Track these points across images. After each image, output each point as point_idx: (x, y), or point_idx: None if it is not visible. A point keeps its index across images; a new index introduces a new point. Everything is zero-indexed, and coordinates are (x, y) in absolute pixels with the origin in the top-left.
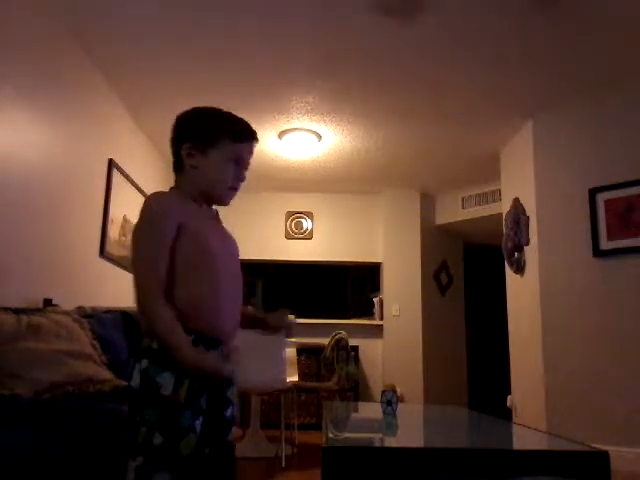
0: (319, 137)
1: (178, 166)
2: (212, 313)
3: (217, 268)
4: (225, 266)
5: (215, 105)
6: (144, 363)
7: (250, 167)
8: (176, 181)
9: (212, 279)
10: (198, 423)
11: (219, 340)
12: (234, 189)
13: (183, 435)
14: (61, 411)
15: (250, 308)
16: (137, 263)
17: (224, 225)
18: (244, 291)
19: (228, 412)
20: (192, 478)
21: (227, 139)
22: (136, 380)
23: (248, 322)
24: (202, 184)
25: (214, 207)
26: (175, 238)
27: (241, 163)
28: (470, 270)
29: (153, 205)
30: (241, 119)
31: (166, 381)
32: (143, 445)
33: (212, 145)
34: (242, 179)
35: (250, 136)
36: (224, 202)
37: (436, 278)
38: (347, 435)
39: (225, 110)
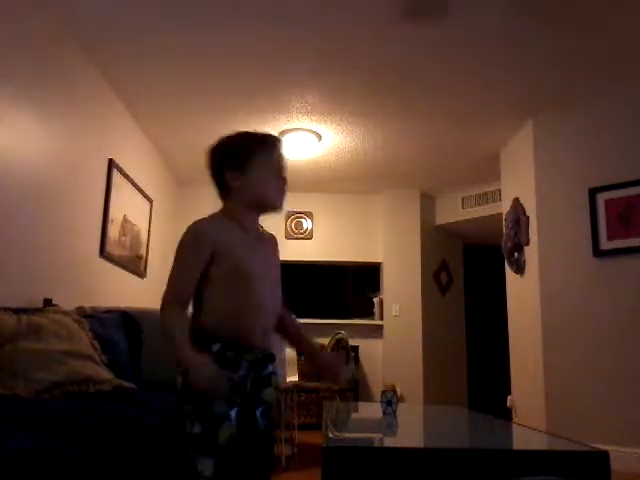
0: (319, 137)
1: (224, 193)
2: (241, 324)
3: (251, 287)
4: (259, 283)
5: (216, 105)
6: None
7: None
8: (223, 207)
9: (245, 298)
10: (233, 413)
11: (249, 348)
12: (282, 191)
13: (219, 423)
14: (61, 411)
15: (309, 339)
16: (169, 276)
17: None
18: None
19: (258, 412)
20: (234, 464)
21: (259, 151)
22: (178, 380)
23: (294, 342)
24: (252, 198)
25: (270, 232)
26: (211, 261)
27: (280, 169)
28: (470, 270)
29: (193, 230)
30: (263, 133)
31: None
32: (189, 436)
33: (249, 161)
34: (285, 181)
35: (277, 141)
36: (278, 206)
37: (436, 278)
38: (347, 435)
39: (244, 130)
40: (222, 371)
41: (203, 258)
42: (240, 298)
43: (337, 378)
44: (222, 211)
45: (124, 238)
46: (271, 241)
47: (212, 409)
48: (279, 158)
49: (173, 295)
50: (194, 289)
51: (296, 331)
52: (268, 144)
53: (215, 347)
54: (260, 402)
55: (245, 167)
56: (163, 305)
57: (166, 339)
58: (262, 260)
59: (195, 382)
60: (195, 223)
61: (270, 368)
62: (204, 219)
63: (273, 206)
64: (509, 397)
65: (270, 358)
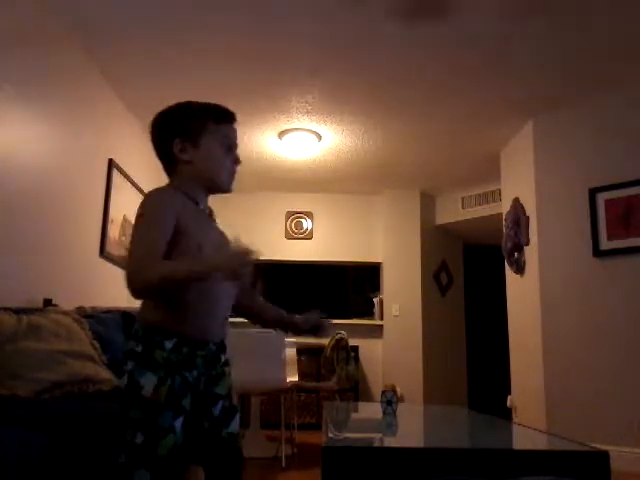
0: (319, 137)
1: (170, 166)
2: (198, 317)
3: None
4: None
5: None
6: (130, 365)
7: (250, 167)
8: (170, 182)
9: (206, 284)
10: (179, 423)
11: (205, 342)
12: (233, 173)
13: (162, 435)
14: (61, 411)
15: (279, 311)
16: (131, 244)
17: (218, 224)
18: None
19: (217, 408)
20: (171, 478)
21: (212, 123)
22: (124, 381)
23: (277, 324)
24: (202, 175)
25: (209, 205)
26: (172, 232)
27: (232, 146)
28: (470, 270)
29: (154, 195)
30: (215, 103)
31: (148, 382)
32: (127, 444)
33: (201, 133)
34: (238, 161)
35: (232, 116)
36: (227, 188)
37: (436, 278)
38: (347, 435)
39: (194, 100)
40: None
41: (170, 222)
42: (198, 284)
43: (323, 328)
44: (170, 186)
45: (124, 238)
46: (220, 228)
47: (158, 420)
48: (232, 135)
49: (144, 253)
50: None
51: (272, 313)
52: (222, 116)
53: (169, 343)
54: (216, 398)
55: (195, 138)
56: (136, 269)
57: (172, 281)
58: (217, 240)
59: (225, 266)
60: (155, 191)
61: (223, 358)
62: (161, 188)
63: (222, 187)
64: (509, 397)
65: (223, 347)
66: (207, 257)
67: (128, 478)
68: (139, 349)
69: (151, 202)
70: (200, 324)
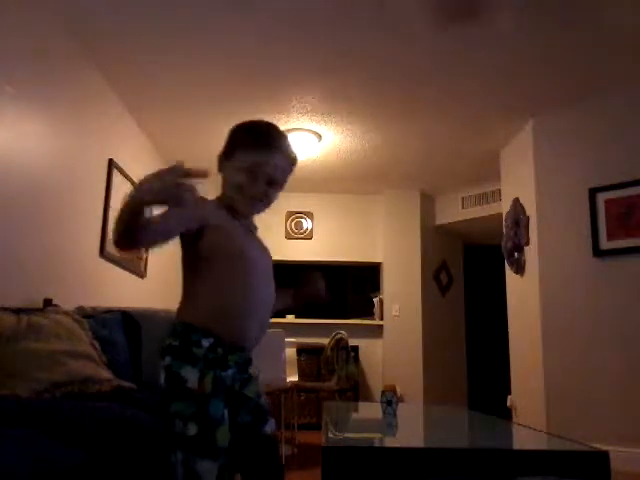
0: (319, 137)
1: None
2: (236, 322)
3: (253, 276)
4: (259, 275)
5: (216, 105)
6: (167, 360)
7: None
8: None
9: (247, 287)
10: (226, 414)
11: (240, 347)
12: (252, 198)
13: (217, 424)
14: (61, 411)
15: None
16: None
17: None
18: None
19: (246, 410)
20: (235, 467)
21: (241, 148)
22: (162, 377)
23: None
24: (226, 191)
25: (254, 223)
26: (200, 233)
27: (258, 174)
28: (470, 270)
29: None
30: (268, 131)
31: (190, 375)
32: (180, 437)
33: (234, 152)
34: (261, 189)
35: (266, 146)
36: (243, 212)
37: (436, 278)
38: (347, 435)
39: (266, 122)
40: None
41: (193, 215)
42: (241, 289)
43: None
44: (217, 197)
45: None
46: (263, 245)
47: (209, 409)
48: (263, 164)
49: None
50: (167, 230)
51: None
52: (254, 143)
53: (206, 342)
54: (245, 399)
55: (231, 157)
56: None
57: (122, 212)
58: (257, 250)
59: (145, 190)
60: None
61: (250, 370)
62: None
63: (238, 210)
64: (509, 397)
65: (250, 361)
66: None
67: (190, 473)
68: (176, 342)
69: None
70: (237, 329)
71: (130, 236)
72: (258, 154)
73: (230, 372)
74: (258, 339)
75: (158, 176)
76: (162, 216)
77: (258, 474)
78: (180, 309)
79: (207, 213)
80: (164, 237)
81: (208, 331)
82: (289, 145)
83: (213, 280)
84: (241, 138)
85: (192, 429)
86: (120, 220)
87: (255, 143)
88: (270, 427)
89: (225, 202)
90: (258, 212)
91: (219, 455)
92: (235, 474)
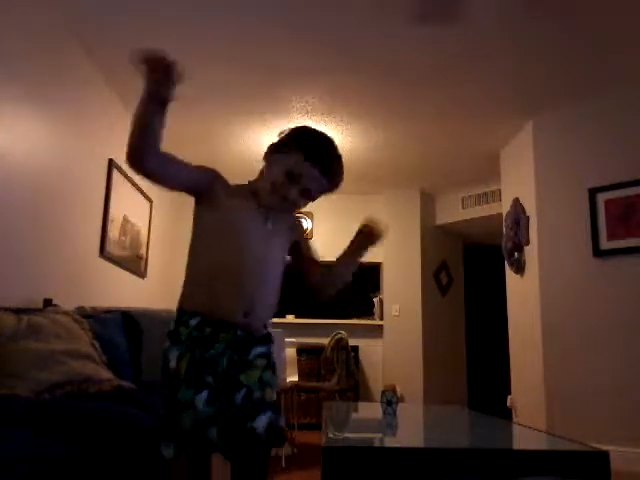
0: None
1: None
2: (221, 298)
3: (237, 247)
4: (250, 252)
5: (216, 105)
6: (166, 344)
7: (250, 167)
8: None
9: (227, 256)
10: (200, 399)
11: (229, 324)
12: (278, 195)
13: (182, 408)
14: (61, 411)
15: (337, 262)
16: None
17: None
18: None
19: (238, 396)
20: (196, 454)
21: (296, 152)
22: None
23: (339, 272)
24: (258, 181)
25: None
26: (203, 198)
27: (297, 181)
28: (470, 270)
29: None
30: (328, 149)
31: (172, 356)
32: (160, 417)
33: (280, 152)
34: (293, 196)
35: (319, 162)
36: (263, 201)
37: (436, 278)
38: (347, 435)
39: (329, 139)
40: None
41: (202, 175)
42: (224, 259)
43: (373, 232)
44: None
45: (124, 238)
46: (289, 220)
47: (178, 393)
48: (301, 170)
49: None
50: (171, 168)
51: (331, 269)
52: (311, 156)
53: (194, 321)
54: (238, 386)
55: (276, 153)
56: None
57: (135, 121)
58: (262, 230)
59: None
60: None
61: (259, 350)
62: None
63: (263, 204)
64: (509, 397)
65: (261, 340)
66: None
67: (157, 454)
68: (172, 327)
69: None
70: (223, 306)
71: (139, 152)
72: (307, 165)
73: (215, 351)
74: (251, 317)
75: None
76: (170, 155)
77: (241, 466)
78: (180, 292)
79: (218, 184)
80: (164, 168)
81: (195, 311)
82: (340, 172)
83: (201, 258)
84: (299, 141)
85: (164, 410)
86: (136, 125)
87: (310, 154)
88: (261, 423)
89: (252, 187)
90: (281, 211)
91: (179, 439)
92: (209, 460)
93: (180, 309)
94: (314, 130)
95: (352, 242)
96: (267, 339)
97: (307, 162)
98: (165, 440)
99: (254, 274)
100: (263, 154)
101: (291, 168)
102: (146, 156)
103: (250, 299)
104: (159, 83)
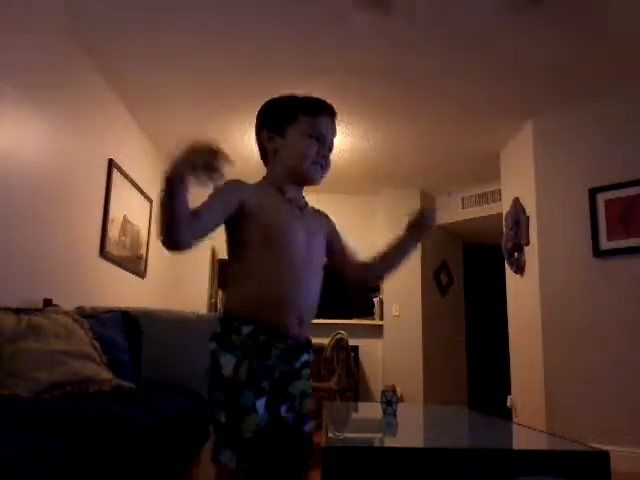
0: None
1: (264, 158)
2: (277, 307)
3: (290, 258)
4: (299, 257)
5: (216, 105)
6: (212, 345)
7: (250, 167)
8: (265, 175)
9: (283, 270)
10: (261, 404)
11: (282, 334)
12: (319, 164)
13: (243, 415)
14: (61, 411)
15: (386, 250)
16: None
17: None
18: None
19: (283, 408)
20: (258, 460)
21: (302, 114)
22: (208, 362)
23: (391, 256)
24: (287, 164)
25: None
26: (238, 218)
27: (321, 139)
28: (470, 270)
29: (230, 180)
30: (316, 97)
31: (227, 362)
32: (215, 423)
33: (288, 123)
34: (325, 156)
35: (325, 109)
36: (312, 178)
37: (436, 278)
38: (347, 435)
39: (297, 93)
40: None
41: (230, 200)
42: (276, 272)
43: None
44: (263, 178)
45: (124, 238)
46: (320, 219)
47: (239, 400)
48: (324, 128)
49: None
50: (207, 225)
51: (382, 257)
52: (314, 107)
53: (246, 329)
54: (285, 397)
55: (284, 129)
56: None
57: (159, 212)
58: (304, 233)
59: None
60: (231, 179)
61: (304, 357)
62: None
63: (309, 178)
64: (509, 397)
65: (305, 346)
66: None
67: (215, 460)
68: (219, 330)
69: (226, 184)
70: (274, 315)
71: (172, 232)
72: (324, 120)
73: (272, 361)
74: (304, 325)
75: (190, 149)
76: (201, 205)
77: (280, 467)
78: (226, 297)
79: (245, 195)
80: (202, 232)
81: (247, 318)
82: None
83: (251, 264)
84: (301, 105)
85: (222, 417)
86: (160, 214)
87: (316, 109)
88: (309, 427)
89: (274, 180)
90: (321, 180)
91: (241, 446)
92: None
93: (228, 314)
94: (291, 94)
95: (401, 236)
96: (309, 345)
97: (321, 115)
98: (226, 448)
99: (304, 280)
100: (264, 140)
101: (316, 130)
102: (181, 240)
103: (302, 306)
104: (192, 164)
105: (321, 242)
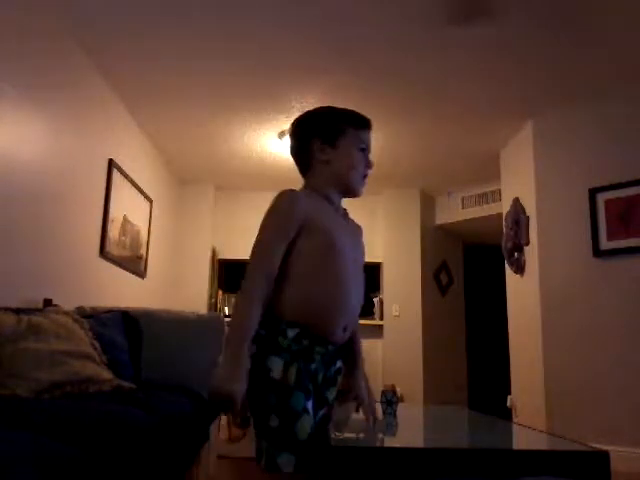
0: None
1: (306, 167)
2: (321, 313)
3: (342, 266)
4: (349, 265)
5: (216, 105)
6: (254, 348)
7: (250, 167)
8: (306, 182)
9: (336, 277)
10: (310, 405)
11: (325, 339)
12: (365, 176)
13: (297, 417)
14: (61, 411)
15: (360, 362)
16: (255, 246)
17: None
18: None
19: (320, 413)
20: (315, 460)
21: (351, 127)
22: (250, 364)
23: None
24: (337, 176)
25: (342, 206)
26: (298, 235)
27: (366, 150)
28: (470, 270)
29: (284, 198)
30: (354, 110)
31: (275, 365)
32: (264, 427)
33: (340, 136)
34: (370, 166)
35: (368, 122)
36: (358, 191)
37: (436, 278)
38: (347, 435)
39: (336, 106)
40: (235, 397)
41: (291, 230)
42: (329, 279)
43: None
44: (306, 186)
45: (124, 238)
46: (359, 231)
47: (291, 402)
48: (368, 140)
49: (262, 267)
50: (279, 264)
51: (354, 346)
52: (362, 123)
53: (292, 332)
54: (324, 403)
55: (335, 140)
56: (249, 274)
57: (232, 320)
58: (351, 242)
59: (210, 390)
60: (289, 190)
61: (338, 364)
62: (294, 190)
63: (353, 188)
64: (509, 397)
65: (340, 353)
66: (231, 360)
67: (272, 463)
68: (263, 332)
69: (281, 204)
70: (322, 320)
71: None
72: (367, 133)
73: (314, 365)
74: (347, 332)
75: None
76: (274, 260)
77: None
78: (272, 298)
79: (301, 214)
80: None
81: (294, 321)
82: None
83: (302, 269)
84: (348, 118)
85: (274, 421)
86: (232, 321)
87: (359, 122)
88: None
89: (320, 188)
90: (362, 191)
91: (298, 448)
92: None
93: (275, 315)
94: (329, 107)
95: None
96: (342, 352)
97: (364, 130)
98: (283, 452)
99: (353, 288)
100: (315, 150)
101: (361, 143)
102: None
103: (350, 314)
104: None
105: (362, 253)
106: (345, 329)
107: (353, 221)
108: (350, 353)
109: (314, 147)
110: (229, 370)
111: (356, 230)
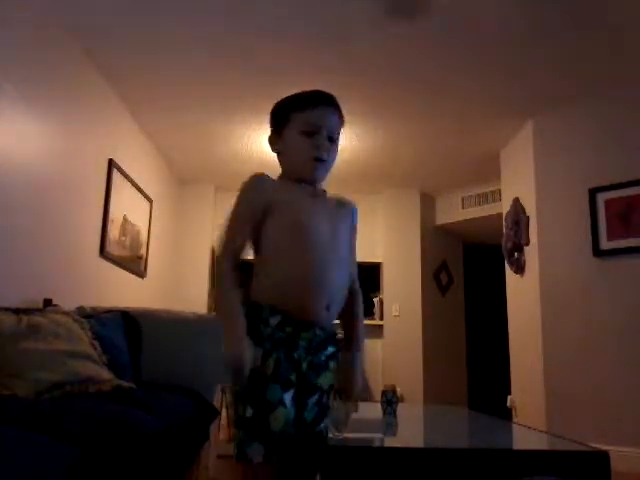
0: None
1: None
2: (301, 296)
3: (313, 242)
4: (325, 242)
5: (216, 105)
6: None
7: (250, 167)
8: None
9: (306, 254)
10: (288, 397)
11: (309, 323)
12: (317, 160)
13: (272, 409)
14: (60, 411)
15: (358, 337)
16: (224, 226)
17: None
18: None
19: (311, 401)
20: (285, 454)
21: (296, 112)
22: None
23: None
24: (288, 164)
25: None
26: (265, 216)
27: (316, 131)
28: (470, 270)
29: (248, 180)
30: (311, 90)
31: (255, 354)
32: (239, 418)
33: (284, 125)
34: (322, 147)
35: (316, 100)
36: (311, 175)
37: (436, 278)
38: (347, 435)
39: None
40: (246, 363)
41: (257, 207)
42: (300, 257)
43: (349, 392)
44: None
45: (124, 238)
46: (345, 208)
47: (266, 393)
48: (317, 119)
49: (224, 247)
50: (247, 243)
51: (349, 318)
52: (303, 101)
53: (274, 320)
54: (314, 389)
55: (282, 130)
56: (218, 260)
57: (216, 292)
58: (327, 218)
59: (224, 360)
60: (255, 173)
61: (330, 349)
62: (261, 173)
63: (306, 175)
64: (509, 397)
65: (331, 338)
66: (229, 330)
67: (242, 453)
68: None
69: (244, 186)
70: (299, 301)
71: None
72: (314, 112)
73: (297, 354)
74: (332, 311)
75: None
76: (237, 237)
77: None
78: (251, 287)
79: (267, 194)
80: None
81: (274, 308)
82: (336, 102)
83: (274, 254)
84: (292, 104)
85: (249, 411)
86: (216, 292)
87: (308, 103)
88: (324, 424)
89: (289, 175)
90: (324, 175)
91: (270, 439)
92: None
93: (256, 304)
94: (293, 94)
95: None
96: (335, 337)
97: (310, 109)
98: (253, 442)
99: (330, 265)
100: (270, 144)
101: (307, 125)
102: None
103: (330, 291)
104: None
105: (346, 229)
106: (328, 308)
107: (340, 199)
108: (348, 330)
109: (270, 140)
110: (228, 343)
111: (340, 208)
